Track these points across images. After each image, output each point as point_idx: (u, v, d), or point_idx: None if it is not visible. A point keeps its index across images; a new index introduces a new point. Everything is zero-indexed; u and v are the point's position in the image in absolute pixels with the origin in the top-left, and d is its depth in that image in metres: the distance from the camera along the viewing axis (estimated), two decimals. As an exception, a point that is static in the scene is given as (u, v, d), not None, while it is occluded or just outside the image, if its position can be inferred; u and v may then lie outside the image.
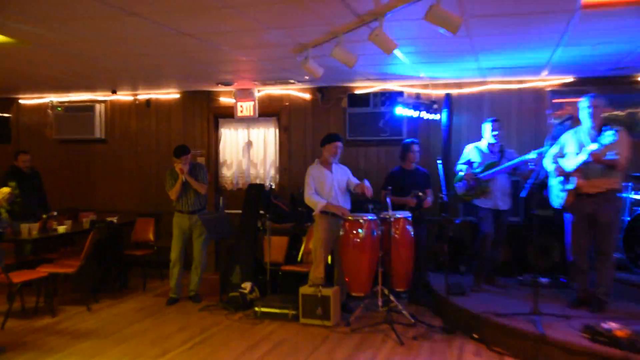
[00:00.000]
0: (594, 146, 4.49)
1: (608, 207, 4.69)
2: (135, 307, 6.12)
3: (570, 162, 4.76)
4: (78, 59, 5.54)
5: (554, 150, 4.98)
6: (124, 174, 8.40)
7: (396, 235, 5.30)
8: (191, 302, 6.26)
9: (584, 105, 4.73)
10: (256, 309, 5.62)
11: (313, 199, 5.48)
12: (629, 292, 5.22)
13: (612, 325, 4.07)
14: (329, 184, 5.54)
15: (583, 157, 4.59)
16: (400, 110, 6.50)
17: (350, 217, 5.35)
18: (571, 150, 4.82)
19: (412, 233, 5.42)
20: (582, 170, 4.67)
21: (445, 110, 6.73)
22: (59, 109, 8.36)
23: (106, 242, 6.64)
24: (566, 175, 4.81)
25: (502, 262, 6.08)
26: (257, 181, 7.73)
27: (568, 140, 4.89)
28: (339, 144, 5.61)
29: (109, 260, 6.75)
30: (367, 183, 5.50)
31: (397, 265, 5.25)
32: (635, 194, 5.75)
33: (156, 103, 8.20)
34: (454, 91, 6.85)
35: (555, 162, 4.90)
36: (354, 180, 5.70)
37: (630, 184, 5.77)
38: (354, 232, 5.27)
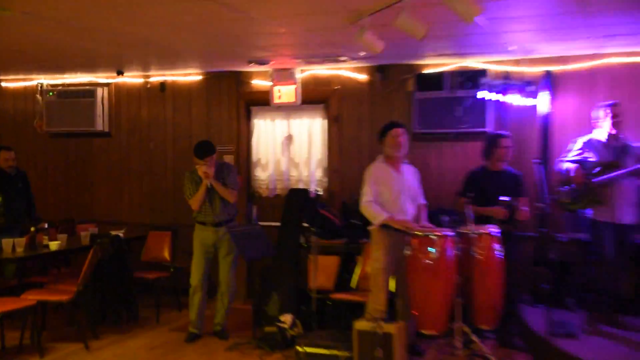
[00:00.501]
0: None
1: None
2: (145, 345, 6.18)
3: None
4: (75, 30, 5.62)
5: None
6: (133, 176, 8.55)
7: (480, 257, 5.24)
8: (217, 338, 6.30)
9: None
10: (299, 348, 5.60)
11: (371, 209, 5.46)
12: None
13: None
14: (396, 189, 5.51)
15: None
16: (484, 94, 6.43)
17: (419, 232, 5.29)
18: None
19: (501, 253, 5.34)
20: None
21: (545, 93, 6.65)
22: (51, 94, 8.56)
23: (110, 262, 6.72)
24: None
25: (626, 296, 5.89)
26: (300, 186, 7.77)
27: None
28: (401, 130, 5.57)
29: (114, 285, 6.84)
30: (424, 217, 5.61)
31: (481, 296, 5.20)
32: None
33: (173, 87, 8.32)
34: (557, 68, 6.73)
35: None
36: (420, 199, 5.72)
37: None
38: (424, 251, 5.21)
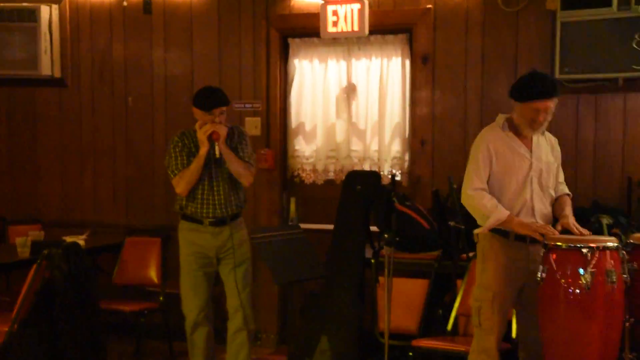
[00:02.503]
0: None
1: None
2: None
3: None
4: None
5: None
6: (100, 152, 8.65)
7: None
8: None
9: None
10: None
11: (481, 202, 5.38)
12: None
13: None
14: (522, 172, 5.43)
15: None
16: None
17: (560, 242, 5.16)
18: None
19: None
20: None
21: None
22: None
23: (64, 285, 6.67)
24: None
25: None
26: (367, 167, 7.80)
27: None
28: (542, 105, 5.34)
29: (70, 323, 6.73)
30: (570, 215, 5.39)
31: None
32: None
33: (163, 7, 8.38)
34: None
35: None
36: (562, 187, 5.63)
37: None
38: (571, 275, 5.07)
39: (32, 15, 8.38)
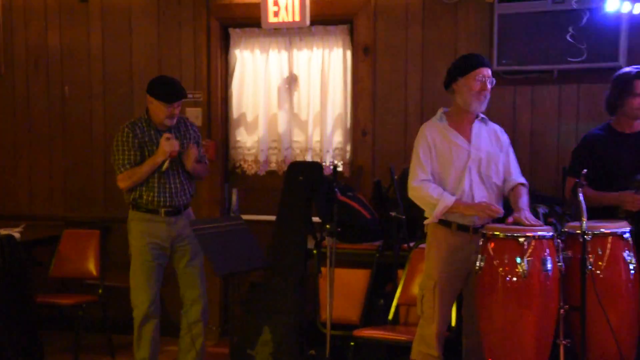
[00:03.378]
0: None
1: None
2: None
3: None
4: None
5: None
6: (36, 142, 8.68)
7: (599, 272, 5.26)
8: None
9: None
10: None
11: (426, 191, 5.51)
12: None
13: None
14: (461, 160, 5.56)
15: None
16: (617, 5, 6.40)
17: (497, 232, 5.33)
18: None
19: (636, 267, 5.36)
20: None
21: None
22: None
23: (-1, 278, 6.81)
24: None
25: None
26: (308, 157, 7.93)
27: None
28: (486, 71, 5.54)
29: (4, 318, 6.83)
30: (523, 204, 5.52)
31: (601, 335, 5.22)
32: None
33: (102, -4, 8.44)
34: None
35: None
36: (514, 176, 5.73)
37: None
38: (507, 263, 5.24)
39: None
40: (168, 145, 6.15)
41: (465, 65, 5.56)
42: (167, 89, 6.27)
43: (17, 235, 7.11)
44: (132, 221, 6.44)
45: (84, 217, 8.25)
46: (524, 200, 5.56)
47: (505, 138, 5.77)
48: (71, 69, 8.55)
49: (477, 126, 5.63)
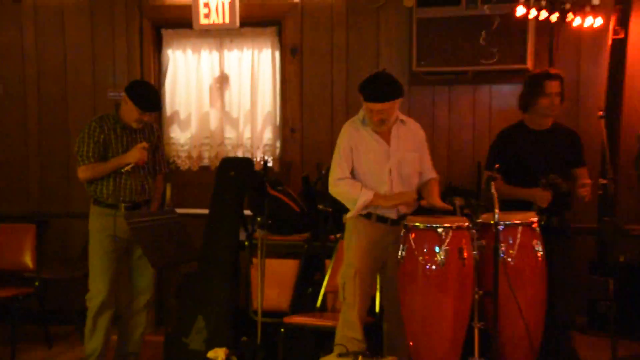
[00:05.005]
0: None
1: None
2: None
3: None
4: None
5: None
6: None
7: (510, 260, 5.52)
8: None
9: None
10: None
11: (346, 188, 5.73)
12: None
13: None
14: (380, 162, 5.75)
15: None
16: (525, 11, 6.66)
17: (418, 223, 5.56)
18: None
19: (543, 256, 5.62)
20: None
21: (618, 9, 6.95)
22: None
23: None
24: None
25: None
26: (240, 153, 8.09)
27: None
28: (385, 106, 5.63)
29: None
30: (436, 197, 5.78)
31: (512, 318, 5.45)
32: None
33: (35, -4, 8.45)
34: None
35: None
36: (428, 172, 5.97)
37: None
38: (426, 252, 5.48)
39: None
40: (140, 154, 6.29)
41: (362, 94, 5.66)
42: (146, 98, 6.34)
43: None
44: (93, 215, 6.48)
45: (19, 212, 8.29)
46: (435, 192, 5.83)
47: (421, 135, 5.94)
48: (5, 68, 8.60)
49: (396, 129, 5.80)
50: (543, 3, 6.71)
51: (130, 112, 6.33)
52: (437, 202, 5.68)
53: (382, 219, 5.73)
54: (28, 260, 7.70)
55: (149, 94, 6.41)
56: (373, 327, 6.03)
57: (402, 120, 5.85)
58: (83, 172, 6.37)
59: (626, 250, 6.63)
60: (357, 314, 5.71)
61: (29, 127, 8.62)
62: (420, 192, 5.87)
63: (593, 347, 6.28)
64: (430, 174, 5.96)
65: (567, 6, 6.80)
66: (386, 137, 5.76)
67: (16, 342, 7.30)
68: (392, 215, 5.73)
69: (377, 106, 5.55)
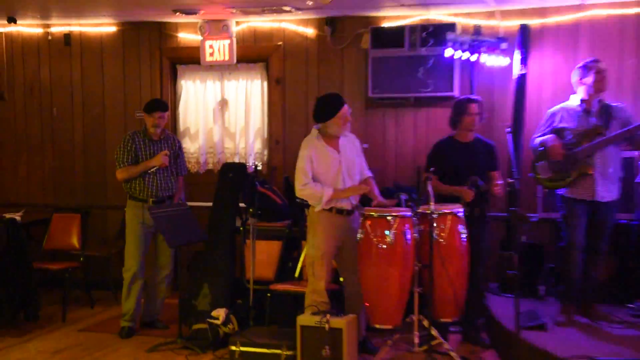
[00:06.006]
0: None
1: None
2: (49, 349, 6.16)
3: None
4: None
5: None
6: (33, 149, 8.59)
7: (442, 240, 5.50)
8: (148, 331, 6.65)
9: None
10: (233, 348, 5.72)
11: (310, 189, 5.64)
12: None
13: None
14: (334, 168, 5.69)
15: None
16: (452, 52, 6.63)
17: (373, 213, 5.53)
18: None
19: (466, 237, 5.62)
20: None
21: (519, 51, 6.85)
22: None
23: (4, 251, 6.72)
24: None
25: (603, 283, 6.21)
26: (236, 160, 7.94)
27: None
28: (348, 107, 5.69)
29: (9, 279, 6.73)
30: (375, 191, 5.79)
31: (443, 285, 5.44)
32: None
33: (80, 40, 8.37)
34: (534, 21, 6.96)
35: None
36: (365, 172, 5.92)
37: None
38: (379, 234, 5.45)
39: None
40: (162, 159, 6.42)
41: (331, 111, 5.61)
42: (149, 104, 6.53)
43: (18, 218, 7.01)
44: (128, 207, 6.60)
45: (69, 205, 8.15)
46: (376, 189, 5.85)
47: (358, 143, 5.91)
48: (58, 95, 8.49)
49: (342, 140, 5.75)
50: (465, 47, 6.70)
51: (146, 121, 6.52)
52: (380, 200, 5.74)
53: (340, 211, 5.70)
54: (75, 241, 7.67)
55: (152, 102, 6.62)
56: (336, 293, 5.95)
57: (344, 134, 5.81)
58: (120, 174, 6.52)
59: (526, 232, 6.64)
60: (324, 284, 5.67)
61: (76, 140, 8.51)
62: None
63: (502, 304, 6.24)
64: (367, 173, 5.96)
65: (483, 49, 6.79)
66: (336, 147, 5.72)
67: (67, 303, 7.23)
68: (347, 207, 5.71)
69: (346, 109, 5.63)
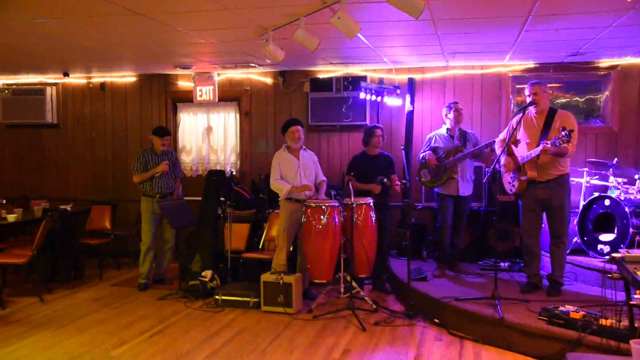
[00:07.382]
0: (545, 144, 4.76)
1: (560, 190, 4.98)
2: (91, 297, 6.13)
3: (522, 153, 5.05)
4: (26, 37, 5.41)
5: (503, 135, 5.35)
6: (78, 161, 8.31)
7: (358, 222, 5.42)
8: (158, 286, 6.49)
9: (526, 92, 5.07)
10: (217, 297, 5.68)
11: (278, 184, 5.62)
12: (584, 275, 5.47)
13: (568, 307, 4.28)
14: (294, 170, 5.66)
15: (536, 151, 4.85)
16: (364, 95, 6.60)
17: (312, 204, 5.45)
18: (521, 136, 5.11)
19: (375, 219, 5.56)
20: (534, 161, 4.95)
21: (408, 95, 6.88)
22: (6, 91, 8.15)
23: (59, 231, 6.53)
24: (512, 168, 5.15)
25: (464, 248, 6.31)
26: (217, 167, 7.75)
27: (518, 124, 5.12)
28: (299, 127, 5.70)
29: (63, 250, 6.63)
30: (322, 191, 5.74)
31: (360, 252, 5.38)
32: (591, 179, 5.98)
33: (111, 87, 8.12)
34: (417, 76, 6.98)
35: (502, 149, 5.12)
36: (320, 176, 5.85)
37: (586, 169, 6.00)
38: (316, 218, 5.37)
39: (42, 91, 8.08)
40: (164, 167, 6.30)
41: (287, 125, 5.71)
42: (159, 130, 6.44)
43: (68, 208, 6.86)
44: (142, 201, 6.42)
45: (102, 199, 7.91)
46: (323, 189, 5.76)
47: (315, 158, 5.88)
48: (96, 124, 8.20)
49: (302, 152, 5.71)
50: (373, 92, 6.65)
51: (155, 142, 6.41)
52: (320, 196, 5.70)
53: (297, 201, 5.62)
54: (107, 224, 7.44)
55: (161, 129, 6.53)
56: (291, 259, 5.84)
57: (304, 149, 5.80)
58: (135, 178, 6.37)
59: (415, 216, 6.71)
60: (285, 253, 5.61)
61: (107, 155, 8.22)
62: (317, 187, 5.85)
63: (399, 264, 6.24)
64: (322, 177, 5.89)
65: (385, 93, 6.76)
66: (297, 156, 5.71)
67: (102, 267, 7.14)
68: (302, 198, 5.61)
69: (297, 127, 5.67)
